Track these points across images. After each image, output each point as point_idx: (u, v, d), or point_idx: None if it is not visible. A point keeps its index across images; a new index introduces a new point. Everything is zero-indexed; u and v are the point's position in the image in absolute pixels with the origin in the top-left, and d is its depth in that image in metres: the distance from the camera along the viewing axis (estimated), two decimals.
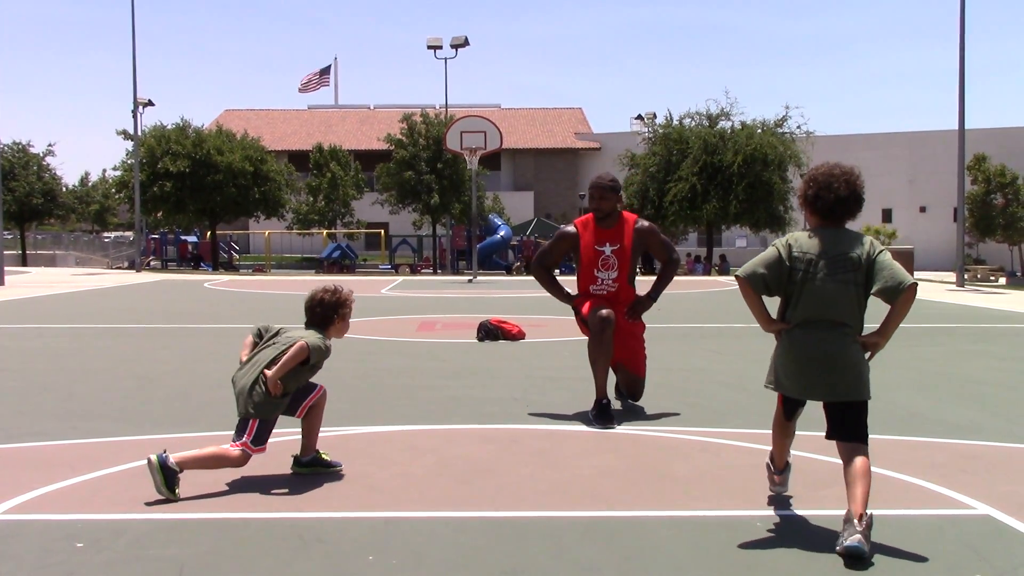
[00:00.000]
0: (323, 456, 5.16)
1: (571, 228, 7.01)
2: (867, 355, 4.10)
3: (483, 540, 4.02)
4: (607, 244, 6.83)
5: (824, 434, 4.14)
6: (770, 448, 4.56)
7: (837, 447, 4.08)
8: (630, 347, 7.02)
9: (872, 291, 4.04)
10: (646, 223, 6.98)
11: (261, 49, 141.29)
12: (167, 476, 4.53)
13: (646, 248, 6.97)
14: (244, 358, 5.08)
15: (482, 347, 11.01)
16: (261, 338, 5.16)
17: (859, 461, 3.94)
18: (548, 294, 7.37)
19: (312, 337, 4.99)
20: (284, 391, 4.91)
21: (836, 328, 4.02)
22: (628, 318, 6.92)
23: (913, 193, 52.12)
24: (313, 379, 5.17)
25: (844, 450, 4.02)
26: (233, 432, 4.93)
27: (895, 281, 3.96)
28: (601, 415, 6.56)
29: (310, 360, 4.97)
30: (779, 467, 4.53)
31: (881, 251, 4.06)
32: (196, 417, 6.63)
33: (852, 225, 4.22)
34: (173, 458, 4.58)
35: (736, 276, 4.19)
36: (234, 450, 4.81)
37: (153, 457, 4.54)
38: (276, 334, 5.14)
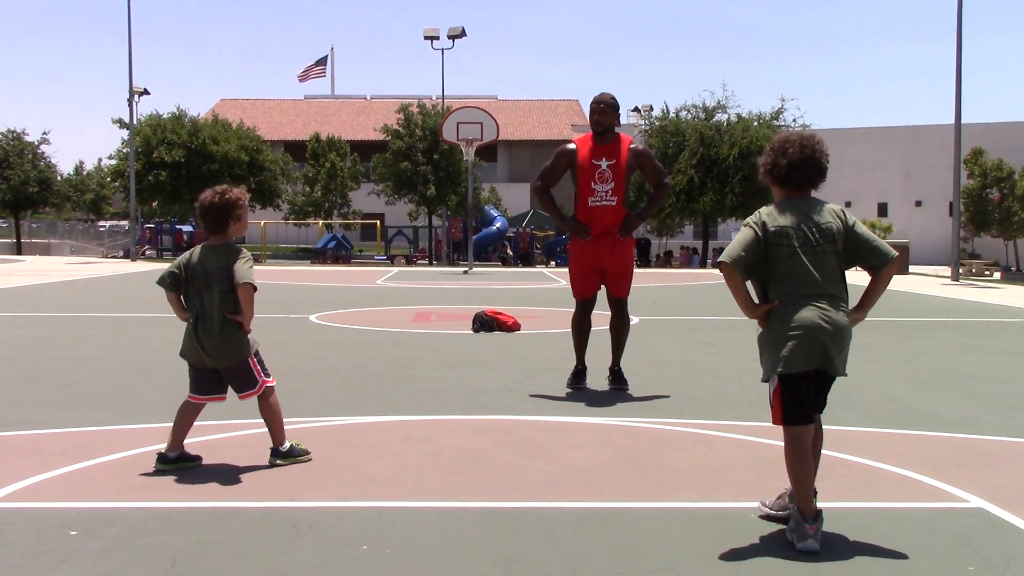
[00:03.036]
0: (297, 446, 5.14)
1: (570, 145, 7.39)
2: None
3: (476, 530, 4.01)
4: (603, 159, 7.21)
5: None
6: (787, 478, 3.92)
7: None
8: (617, 271, 7.39)
9: (857, 262, 3.99)
10: (640, 145, 7.42)
11: (258, 39, 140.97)
12: (181, 460, 4.87)
13: (639, 167, 7.39)
14: (189, 317, 4.96)
15: (477, 338, 11.00)
16: (180, 285, 4.94)
17: (819, 434, 3.94)
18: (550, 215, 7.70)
19: (244, 271, 4.82)
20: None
21: (832, 299, 3.87)
22: (620, 235, 7.30)
23: (909, 187, 52.15)
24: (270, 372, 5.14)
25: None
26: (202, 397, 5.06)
27: (881, 253, 3.95)
28: (574, 379, 7.49)
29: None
30: (810, 513, 3.77)
31: (855, 221, 3.99)
32: None
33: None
34: (169, 450, 4.87)
35: (719, 262, 3.96)
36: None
37: (160, 465, 4.82)
38: (191, 271, 4.90)
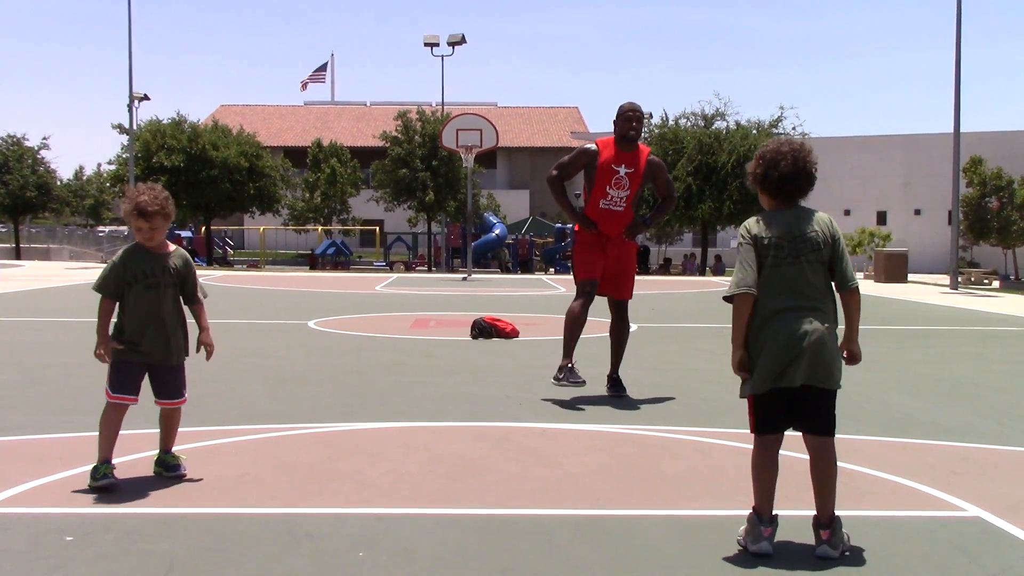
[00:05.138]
0: (169, 459, 4.96)
1: (592, 146, 7.50)
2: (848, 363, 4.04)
3: (474, 537, 4.01)
4: (623, 166, 7.33)
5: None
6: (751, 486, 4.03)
7: (805, 441, 4.01)
8: (619, 272, 7.55)
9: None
10: (657, 158, 7.60)
11: (258, 45, 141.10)
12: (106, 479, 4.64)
13: (653, 178, 7.54)
14: None
15: (475, 345, 11.00)
16: None
17: (829, 461, 3.92)
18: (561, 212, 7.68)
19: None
20: (132, 328, 4.73)
21: (816, 312, 3.87)
22: (626, 237, 7.51)
23: (908, 195, 52.17)
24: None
25: (814, 444, 3.96)
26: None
27: (848, 276, 3.96)
28: (569, 375, 7.19)
29: (104, 291, 4.75)
30: (768, 516, 3.89)
31: (839, 236, 3.99)
32: (186, 411, 6.60)
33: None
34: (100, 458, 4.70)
35: (734, 296, 3.94)
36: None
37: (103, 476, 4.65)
38: None
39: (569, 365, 7.24)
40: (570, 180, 7.60)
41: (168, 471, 4.89)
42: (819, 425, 3.95)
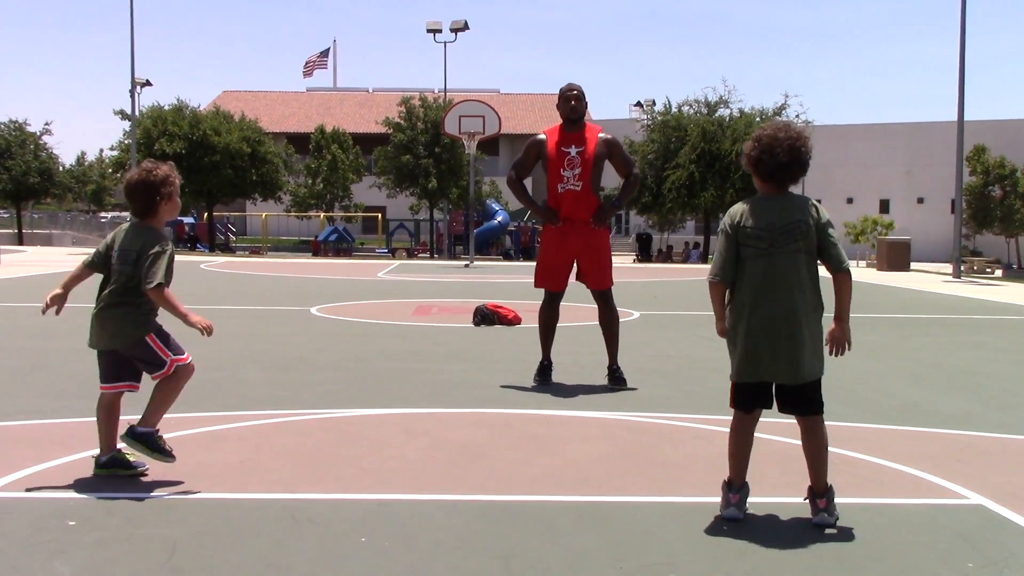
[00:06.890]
0: (126, 456, 4.63)
1: (539, 136, 7.55)
2: (831, 348, 4.03)
3: (476, 524, 4.01)
4: (572, 146, 7.32)
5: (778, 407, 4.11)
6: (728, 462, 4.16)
7: (797, 420, 4.10)
8: (594, 262, 7.38)
9: (819, 259, 4.02)
10: (609, 135, 7.49)
11: (260, 31, 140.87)
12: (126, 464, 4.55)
13: (609, 156, 7.44)
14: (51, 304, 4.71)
15: (477, 332, 11.00)
16: (102, 266, 4.71)
17: (819, 434, 4.04)
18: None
19: (151, 271, 4.48)
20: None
21: (792, 309, 3.92)
22: (594, 224, 7.34)
23: (911, 184, 52.09)
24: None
25: (804, 422, 4.06)
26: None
27: (839, 259, 3.97)
28: (540, 374, 7.42)
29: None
30: (738, 484, 4.09)
31: (827, 220, 4.00)
32: (187, 397, 6.60)
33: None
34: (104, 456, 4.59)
35: (711, 282, 4.08)
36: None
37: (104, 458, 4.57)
38: (113, 251, 4.63)
39: (544, 363, 7.49)
40: (529, 175, 7.63)
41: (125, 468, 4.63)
42: (805, 409, 4.06)
